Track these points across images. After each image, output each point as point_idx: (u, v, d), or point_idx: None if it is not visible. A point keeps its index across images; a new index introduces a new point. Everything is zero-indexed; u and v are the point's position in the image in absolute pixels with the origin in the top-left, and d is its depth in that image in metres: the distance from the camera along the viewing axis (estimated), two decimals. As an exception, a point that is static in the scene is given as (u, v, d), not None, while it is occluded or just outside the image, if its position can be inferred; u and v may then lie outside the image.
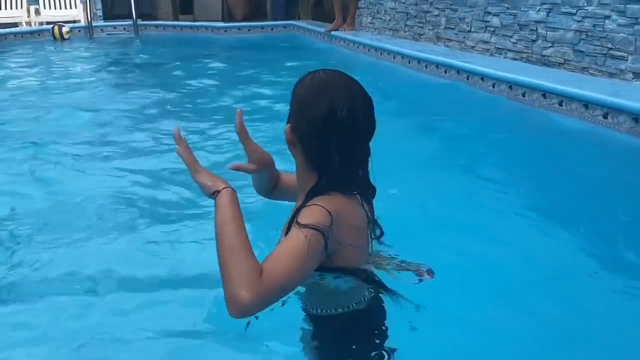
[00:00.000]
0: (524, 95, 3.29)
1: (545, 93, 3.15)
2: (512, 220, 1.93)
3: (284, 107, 3.08)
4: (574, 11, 3.70)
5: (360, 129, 1.12)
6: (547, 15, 3.96)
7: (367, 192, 1.22)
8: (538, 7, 4.05)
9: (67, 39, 7.12)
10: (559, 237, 1.82)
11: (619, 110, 2.65)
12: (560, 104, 3.02)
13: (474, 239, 1.71)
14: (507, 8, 4.37)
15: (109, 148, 2.72)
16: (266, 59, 5.74)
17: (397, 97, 3.89)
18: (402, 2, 5.96)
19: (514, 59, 4.29)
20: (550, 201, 2.04)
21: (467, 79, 3.73)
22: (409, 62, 4.48)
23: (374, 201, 1.18)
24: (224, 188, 1.06)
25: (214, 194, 1.07)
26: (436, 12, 5.37)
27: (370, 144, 1.12)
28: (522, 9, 4.22)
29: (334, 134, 1.08)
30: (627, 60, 3.34)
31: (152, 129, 3.07)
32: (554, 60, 3.91)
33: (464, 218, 1.87)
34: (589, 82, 3.21)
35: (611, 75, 3.44)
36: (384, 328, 1.20)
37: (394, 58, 4.70)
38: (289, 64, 5.24)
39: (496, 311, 1.40)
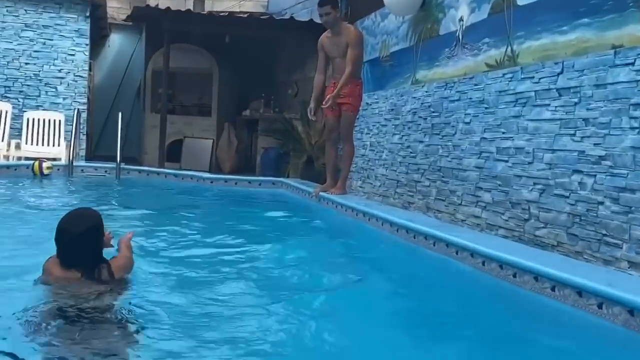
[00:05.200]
0: (515, 275, 3.43)
1: (537, 276, 3.25)
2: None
3: (259, 260, 3.95)
4: (566, 194, 4.07)
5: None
6: (540, 196, 4.31)
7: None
8: (530, 187, 4.43)
9: (47, 175, 7.74)
10: None
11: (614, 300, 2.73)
12: (553, 289, 3.16)
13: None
14: (499, 185, 4.85)
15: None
16: (250, 213, 6.18)
17: (380, 265, 4.19)
18: (393, 170, 6.63)
19: (505, 236, 4.64)
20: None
21: (456, 253, 3.99)
22: (397, 230, 4.81)
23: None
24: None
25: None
26: (427, 183, 5.96)
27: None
28: (513, 187, 4.64)
29: None
30: (621, 248, 3.58)
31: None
32: (546, 241, 4.20)
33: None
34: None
35: (606, 262, 3.65)
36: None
37: (382, 224, 5.06)
38: (271, 220, 5.72)
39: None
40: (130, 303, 2.53)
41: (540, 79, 4.50)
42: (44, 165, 7.80)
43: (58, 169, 8.40)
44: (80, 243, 2.55)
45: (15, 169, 8.04)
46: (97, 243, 2.62)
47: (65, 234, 2.53)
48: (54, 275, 2.54)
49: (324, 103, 6.11)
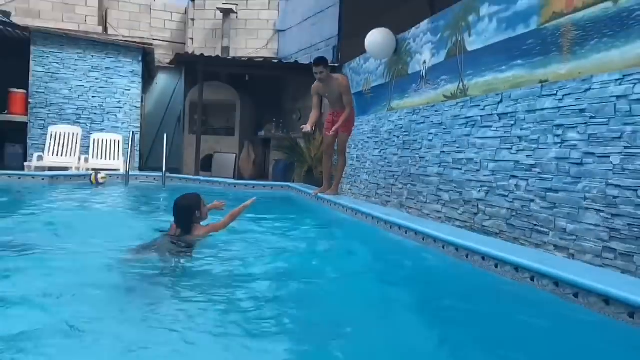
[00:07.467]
0: (466, 256, 3.37)
1: (484, 256, 3.17)
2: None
3: (270, 248, 3.77)
4: (506, 194, 4.04)
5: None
6: (486, 195, 4.27)
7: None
8: (478, 189, 4.40)
9: (102, 184, 7.46)
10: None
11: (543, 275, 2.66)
12: (496, 266, 3.08)
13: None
14: (455, 187, 4.82)
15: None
16: (264, 211, 5.68)
17: (362, 247, 4.16)
18: (374, 176, 6.62)
19: (460, 227, 4.58)
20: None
21: (422, 239, 3.91)
22: (377, 222, 4.70)
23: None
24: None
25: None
26: (400, 186, 5.92)
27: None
28: (466, 189, 4.59)
29: None
30: (549, 235, 3.57)
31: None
32: (491, 230, 4.16)
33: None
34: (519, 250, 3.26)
35: (537, 246, 3.60)
36: None
37: (365, 218, 4.97)
38: (281, 215, 5.59)
39: None
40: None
41: (485, 106, 4.51)
42: (99, 175, 7.63)
43: (117, 178, 8.31)
44: (178, 212, 3.35)
45: (84, 178, 7.99)
46: (187, 214, 3.36)
47: (174, 206, 3.35)
48: (171, 229, 3.40)
49: (332, 131, 5.94)
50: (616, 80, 3.16)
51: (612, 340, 2.19)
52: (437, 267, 3.52)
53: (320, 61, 5.78)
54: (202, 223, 3.48)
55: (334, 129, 5.81)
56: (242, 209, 3.75)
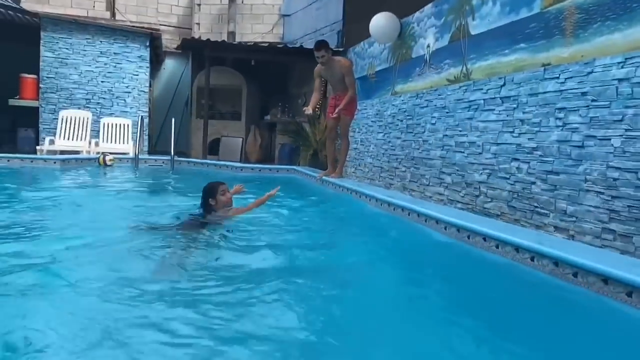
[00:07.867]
0: (468, 237, 3.39)
1: (485, 237, 3.19)
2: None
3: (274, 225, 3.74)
4: (507, 176, 4.10)
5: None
6: (488, 178, 4.33)
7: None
8: (480, 171, 4.48)
9: (110, 166, 7.65)
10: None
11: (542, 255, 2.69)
12: (497, 247, 3.10)
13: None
14: (457, 170, 4.89)
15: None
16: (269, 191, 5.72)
17: (366, 229, 4.20)
18: (378, 159, 6.71)
19: (462, 209, 4.64)
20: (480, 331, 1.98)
21: (425, 221, 3.93)
22: (381, 205, 4.76)
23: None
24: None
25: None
26: (403, 169, 6.01)
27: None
28: (468, 172, 4.68)
29: None
30: (549, 216, 3.63)
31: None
32: (492, 212, 4.23)
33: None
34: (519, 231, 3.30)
35: (537, 227, 3.65)
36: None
37: (369, 200, 5.01)
38: (287, 197, 5.40)
39: None
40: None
41: (487, 90, 4.51)
42: (107, 158, 7.80)
43: (127, 161, 8.43)
44: (202, 195, 3.62)
45: (95, 161, 8.11)
46: (203, 199, 3.63)
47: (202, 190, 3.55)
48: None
49: (334, 114, 5.97)
50: (618, 63, 3.15)
51: (610, 318, 2.23)
52: (439, 247, 3.55)
53: (321, 44, 5.78)
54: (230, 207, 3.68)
55: (336, 110, 5.83)
56: (266, 198, 3.91)
